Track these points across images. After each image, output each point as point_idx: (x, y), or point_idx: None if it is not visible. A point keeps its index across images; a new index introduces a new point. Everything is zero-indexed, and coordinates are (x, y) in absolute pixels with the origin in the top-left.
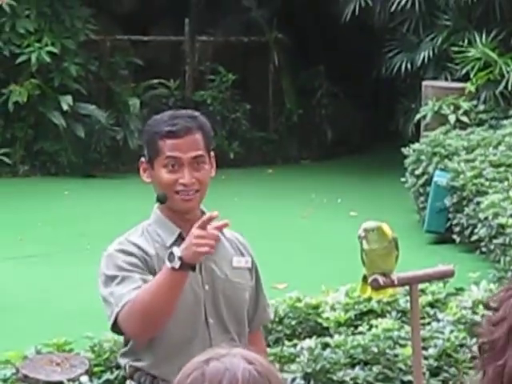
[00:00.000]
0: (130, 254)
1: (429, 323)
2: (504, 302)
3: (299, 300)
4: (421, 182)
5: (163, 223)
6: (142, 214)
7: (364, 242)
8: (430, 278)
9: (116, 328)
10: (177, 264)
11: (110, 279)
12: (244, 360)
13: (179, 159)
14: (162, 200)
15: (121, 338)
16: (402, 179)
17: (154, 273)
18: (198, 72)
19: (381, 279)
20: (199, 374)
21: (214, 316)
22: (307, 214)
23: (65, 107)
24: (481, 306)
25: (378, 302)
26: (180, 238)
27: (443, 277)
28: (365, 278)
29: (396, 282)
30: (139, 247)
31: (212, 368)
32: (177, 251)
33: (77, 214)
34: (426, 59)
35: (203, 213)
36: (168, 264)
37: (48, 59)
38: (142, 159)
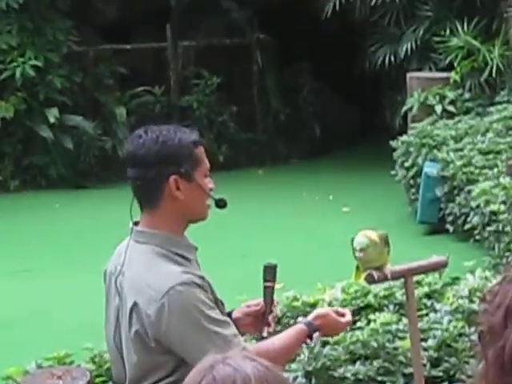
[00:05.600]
0: (201, 286)
1: (427, 314)
2: (499, 292)
3: (296, 299)
4: (411, 173)
5: (177, 242)
6: None
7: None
8: (424, 270)
9: None
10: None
11: (205, 318)
12: (247, 359)
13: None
14: (224, 205)
15: None
16: (392, 172)
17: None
18: (183, 77)
19: (375, 274)
20: (210, 380)
21: None
22: (300, 212)
23: (51, 120)
24: (478, 294)
25: (375, 296)
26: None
27: (437, 268)
28: (358, 266)
29: (389, 276)
30: (197, 275)
31: (221, 372)
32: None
33: (69, 227)
34: (409, 51)
35: None
36: (313, 335)
37: (32, 73)
38: (174, 176)
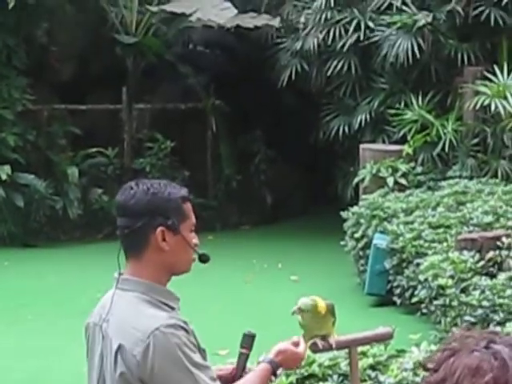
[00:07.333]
0: (185, 329)
1: None
2: (443, 363)
3: None
4: (360, 245)
5: (160, 291)
6: (84, 283)
7: (299, 317)
8: (368, 341)
9: None
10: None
11: (188, 359)
12: None
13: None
14: (206, 260)
15: None
16: (342, 242)
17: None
18: (137, 140)
19: (320, 343)
20: None
21: None
22: (249, 279)
23: (3, 177)
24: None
25: (320, 365)
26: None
27: (382, 339)
28: (304, 335)
29: (334, 346)
30: (181, 320)
31: None
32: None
33: (17, 285)
34: (363, 122)
35: None
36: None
37: None
38: (161, 228)
